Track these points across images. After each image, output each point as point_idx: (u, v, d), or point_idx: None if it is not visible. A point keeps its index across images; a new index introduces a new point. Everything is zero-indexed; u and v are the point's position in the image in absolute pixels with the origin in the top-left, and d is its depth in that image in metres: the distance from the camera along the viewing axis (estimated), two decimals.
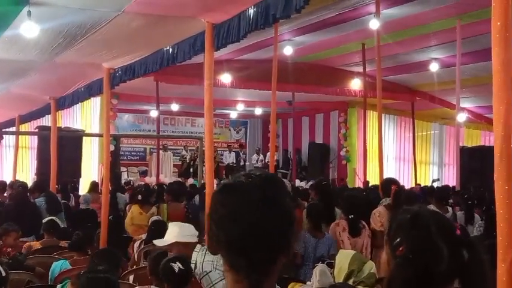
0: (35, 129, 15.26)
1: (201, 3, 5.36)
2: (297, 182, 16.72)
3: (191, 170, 20.09)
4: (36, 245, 6.43)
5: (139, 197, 7.82)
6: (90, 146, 16.71)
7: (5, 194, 9.69)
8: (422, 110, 18.24)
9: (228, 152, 21.30)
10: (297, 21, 10.08)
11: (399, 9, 10.57)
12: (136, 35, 6.53)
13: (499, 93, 2.55)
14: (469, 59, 12.04)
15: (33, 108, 12.52)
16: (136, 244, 6.40)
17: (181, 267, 3.64)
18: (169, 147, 20.37)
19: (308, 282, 4.15)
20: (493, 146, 2.58)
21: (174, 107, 18.68)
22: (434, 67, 13.95)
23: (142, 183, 13.62)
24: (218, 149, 20.86)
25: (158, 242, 4.18)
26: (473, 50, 11.78)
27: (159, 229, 5.43)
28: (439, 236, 1.66)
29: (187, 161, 20.66)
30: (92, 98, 11.57)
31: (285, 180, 10.59)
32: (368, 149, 13.32)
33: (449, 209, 7.70)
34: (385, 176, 8.59)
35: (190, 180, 16.77)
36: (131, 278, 5.18)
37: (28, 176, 16.67)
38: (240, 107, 19.68)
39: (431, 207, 6.41)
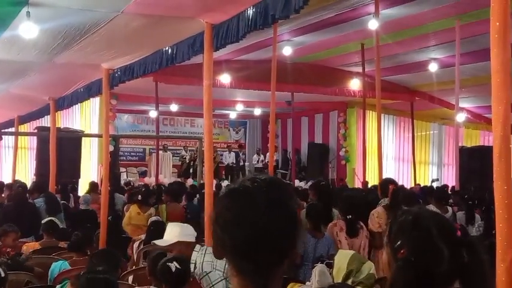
0: (34, 129, 15.22)
1: (200, 4, 5.36)
2: (296, 182, 16.71)
3: (191, 170, 20.06)
4: (36, 245, 6.42)
5: (139, 197, 7.82)
6: (90, 147, 16.71)
7: (3, 195, 9.68)
8: (422, 110, 18.23)
9: (227, 152, 21.28)
10: (296, 21, 10.08)
11: (398, 10, 10.56)
12: (135, 35, 6.52)
13: (498, 93, 2.56)
14: (468, 59, 12.04)
15: (33, 108, 12.49)
16: (136, 244, 6.40)
17: (178, 267, 3.63)
18: (169, 147, 20.35)
19: (307, 283, 4.14)
20: (492, 146, 2.58)
21: (174, 107, 18.65)
22: (433, 67, 13.95)
23: (142, 183, 13.62)
24: (218, 150, 20.86)
25: (159, 242, 4.18)
26: (472, 50, 11.78)
27: (158, 229, 5.43)
28: (440, 238, 1.67)
29: (187, 162, 20.62)
30: (91, 99, 11.55)
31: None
32: (367, 149, 13.29)
33: (449, 208, 7.71)
34: (384, 176, 8.57)
35: (190, 181, 16.76)
36: (130, 278, 5.18)
37: (27, 176, 16.64)
38: (239, 107, 19.66)
39: (431, 207, 6.40)
